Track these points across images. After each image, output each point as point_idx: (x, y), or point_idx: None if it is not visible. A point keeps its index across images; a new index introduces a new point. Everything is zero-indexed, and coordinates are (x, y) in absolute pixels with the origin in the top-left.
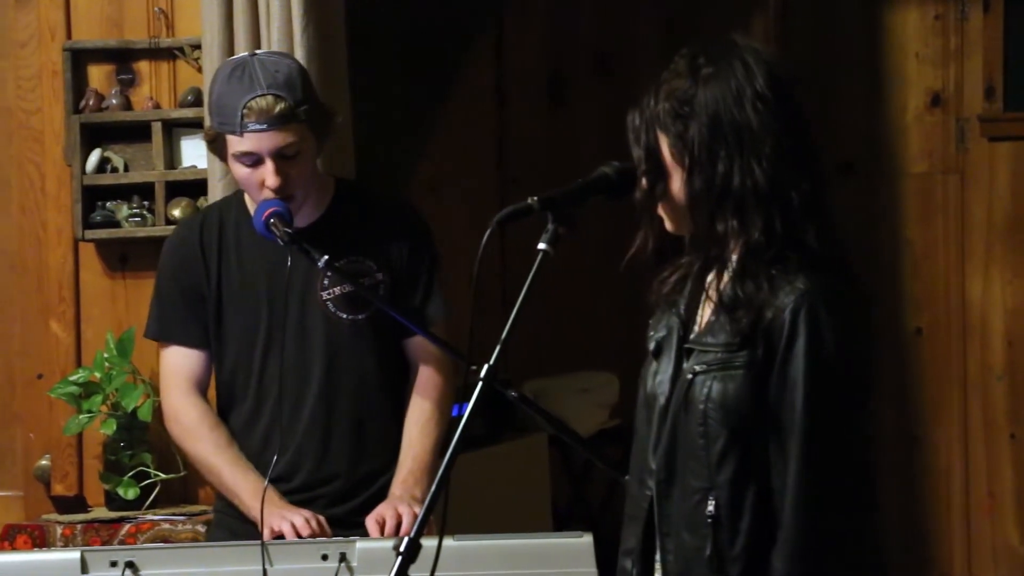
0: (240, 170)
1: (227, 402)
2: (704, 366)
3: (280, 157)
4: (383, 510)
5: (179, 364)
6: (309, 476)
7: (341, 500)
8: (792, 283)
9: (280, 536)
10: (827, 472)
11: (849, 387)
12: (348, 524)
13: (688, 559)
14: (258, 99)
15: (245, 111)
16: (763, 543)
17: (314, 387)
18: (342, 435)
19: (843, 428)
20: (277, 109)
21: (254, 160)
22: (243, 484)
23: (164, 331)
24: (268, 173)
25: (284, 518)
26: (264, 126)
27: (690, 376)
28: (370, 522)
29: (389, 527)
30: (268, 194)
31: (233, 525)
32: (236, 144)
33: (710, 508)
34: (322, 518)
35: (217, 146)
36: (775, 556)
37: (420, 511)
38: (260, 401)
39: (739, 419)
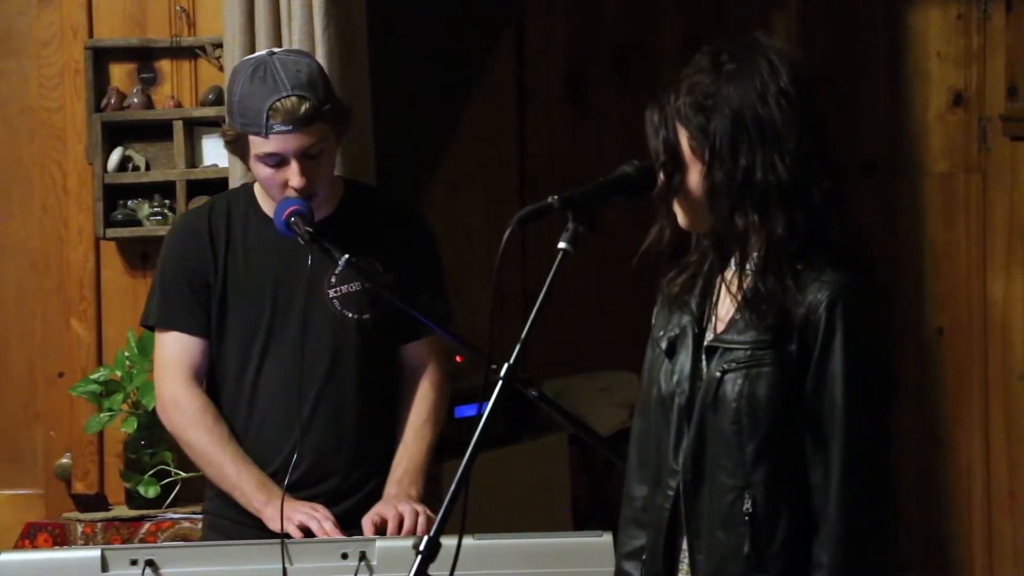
0: (263, 170)
1: (222, 393)
2: (733, 364)
3: (305, 157)
4: (382, 510)
5: (178, 352)
6: (307, 473)
7: (338, 499)
8: (820, 279)
9: (305, 530)
10: (869, 466)
11: (884, 382)
12: (344, 523)
13: (723, 558)
14: (283, 100)
15: (270, 112)
16: (801, 539)
17: (316, 384)
18: (342, 433)
19: (881, 423)
20: (302, 110)
21: (278, 161)
22: (247, 477)
23: (165, 317)
24: (293, 174)
25: (298, 511)
26: (290, 127)
27: (718, 375)
28: (366, 523)
29: (392, 526)
30: (291, 193)
31: (226, 527)
32: (260, 145)
33: (747, 506)
34: (328, 512)
35: (238, 146)
36: (819, 551)
37: (419, 508)
38: (258, 395)
39: (773, 416)
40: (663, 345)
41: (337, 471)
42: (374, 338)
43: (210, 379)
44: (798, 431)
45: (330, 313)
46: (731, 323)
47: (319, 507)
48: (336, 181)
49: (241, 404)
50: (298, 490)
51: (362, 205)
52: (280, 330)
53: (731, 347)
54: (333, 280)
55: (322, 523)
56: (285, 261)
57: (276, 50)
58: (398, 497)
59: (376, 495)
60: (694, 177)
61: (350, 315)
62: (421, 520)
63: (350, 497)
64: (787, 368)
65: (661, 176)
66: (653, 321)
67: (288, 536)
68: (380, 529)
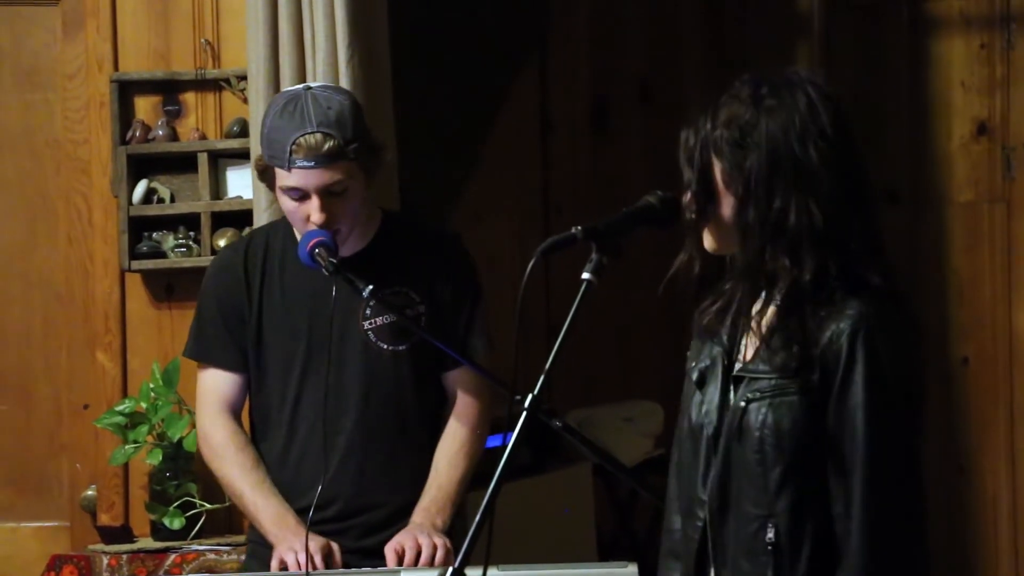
0: (287, 203)
1: (262, 427)
2: (758, 393)
3: (327, 194)
4: (402, 538)
5: (214, 386)
6: (344, 506)
7: (376, 530)
8: (843, 310)
9: (284, 567)
10: (892, 496)
11: (908, 411)
12: (383, 555)
13: None
14: (307, 136)
15: (294, 147)
16: (823, 569)
17: (351, 416)
18: (378, 465)
19: (905, 451)
20: (325, 147)
21: (300, 195)
22: (264, 508)
23: (202, 352)
24: (313, 209)
25: (291, 549)
26: (312, 163)
27: (743, 404)
28: (388, 551)
29: (409, 557)
30: (313, 227)
31: (266, 555)
32: (284, 179)
33: (770, 535)
34: (335, 546)
35: (266, 177)
36: None
37: (438, 541)
38: (295, 428)
39: (796, 445)
40: (694, 376)
41: (374, 504)
42: (410, 369)
43: (253, 412)
44: (821, 460)
45: (365, 345)
46: (757, 353)
47: (312, 544)
48: (373, 213)
49: (280, 436)
50: (335, 523)
51: (400, 235)
52: (316, 363)
53: (756, 376)
54: (368, 312)
55: (298, 556)
56: (321, 294)
57: (313, 84)
58: (421, 526)
59: None
60: (727, 209)
61: (385, 347)
62: (439, 553)
63: (389, 528)
64: (810, 397)
65: (692, 202)
66: (688, 352)
67: (315, 567)
68: (400, 558)
